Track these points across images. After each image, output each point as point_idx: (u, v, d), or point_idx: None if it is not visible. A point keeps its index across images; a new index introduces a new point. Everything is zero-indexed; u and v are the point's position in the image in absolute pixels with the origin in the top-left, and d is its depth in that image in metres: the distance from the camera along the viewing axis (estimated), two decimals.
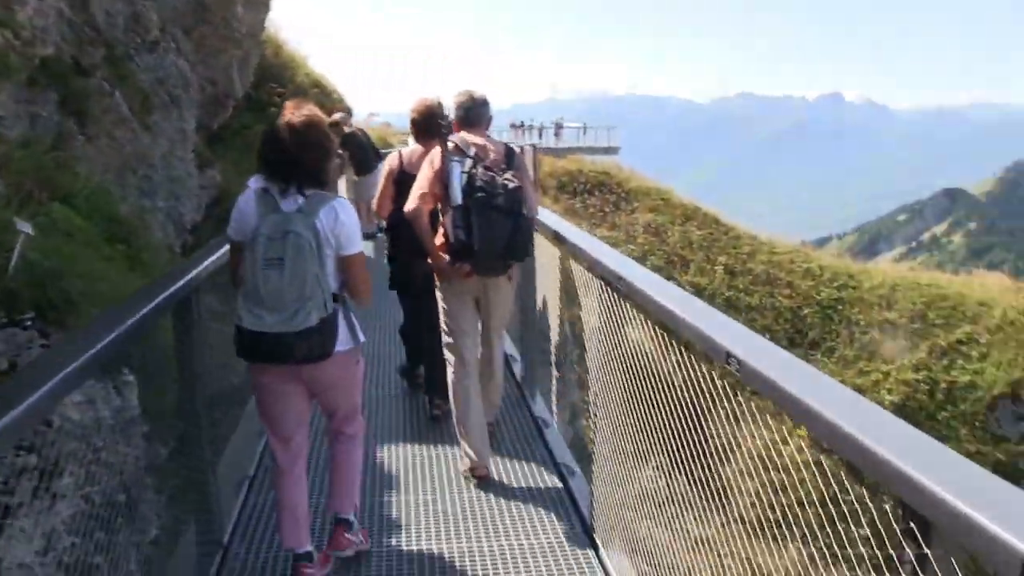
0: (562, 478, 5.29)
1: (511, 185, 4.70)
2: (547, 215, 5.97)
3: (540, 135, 46.23)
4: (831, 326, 30.86)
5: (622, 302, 3.87)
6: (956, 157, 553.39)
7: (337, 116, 11.22)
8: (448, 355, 5.25)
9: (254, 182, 3.57)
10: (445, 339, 5.27)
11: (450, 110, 5.44)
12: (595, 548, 4.43)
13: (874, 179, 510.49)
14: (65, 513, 2.81)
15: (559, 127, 47.58)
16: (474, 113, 5.18)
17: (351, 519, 4.10)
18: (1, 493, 2.65)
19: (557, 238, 5.60)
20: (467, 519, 4.76)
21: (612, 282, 3.94)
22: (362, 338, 3.85)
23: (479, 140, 5.04)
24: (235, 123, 13.82)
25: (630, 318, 3.79)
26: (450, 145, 4.88)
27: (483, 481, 5.21)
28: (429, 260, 5.05)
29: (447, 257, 4.85)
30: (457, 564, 4.28)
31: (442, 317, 5.28)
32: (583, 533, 4.60)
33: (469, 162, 4.75)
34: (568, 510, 4.90)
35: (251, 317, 3.37)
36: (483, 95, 5.30)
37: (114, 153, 7.46)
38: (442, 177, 4.76)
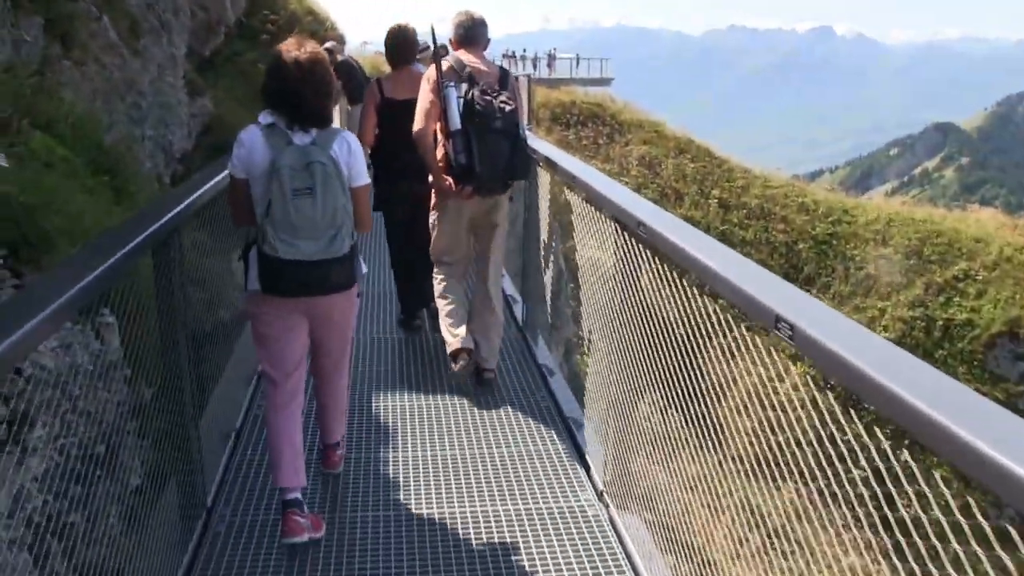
0: (569, 432, 5.08)
1: (507, 108, 4.82)
2: (547, 147, 5.82)
3: (534, 66, 45.55)
4: (826, 261, 30.78)
5: (639, 247, 3.69)
6: (946, 92, 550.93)
7: (329, 44, 10.89)
8: (436, 272, 5.45)
9: (264, 118, 3.56)
10: (437, 263, 5.44)
11: (444, 33, 5.48)
12: (607, 508, 4.24)
13: (865, 113, 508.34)
14: (37, 468, 2.62)
15: (552, 58, 46.86)
16: (473, 32, 5.24)
17: (339, 440, 4.34)
18: None
19: (549, 164, 5.48)
20: (469, 476, 4.57)
21: (630, 227, 3.72)
22: (364, 270, 3.91)
23: (475, 61, 5.12)
24: (227, 50, 13.44)
25: (643, 262, 3.63)
26: (445, 66, 4.95)
27: (468, 358, 5.32)
28: (431, 179, 5.14)
29: (449, 179, 4.94)
30: (460, 527, 4.09)
31: (434, 242, 5.41)
32: (592, 493, 4.41)
33: (464, 86, 4.84)
34: (576, 467, 4.69)
35: (286, 247, 3.37)
36: (481, 15, 5.35)
37: (102, 79, 7.16)
38: (439, 101, 4.84)
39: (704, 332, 2.99)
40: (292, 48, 3.53)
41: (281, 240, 3.36)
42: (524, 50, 47.34)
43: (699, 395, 3.08)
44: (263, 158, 3.46)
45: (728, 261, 2.87)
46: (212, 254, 4.85)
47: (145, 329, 3.53)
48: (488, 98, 4.80)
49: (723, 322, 2.83)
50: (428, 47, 6.77)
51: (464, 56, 5.12)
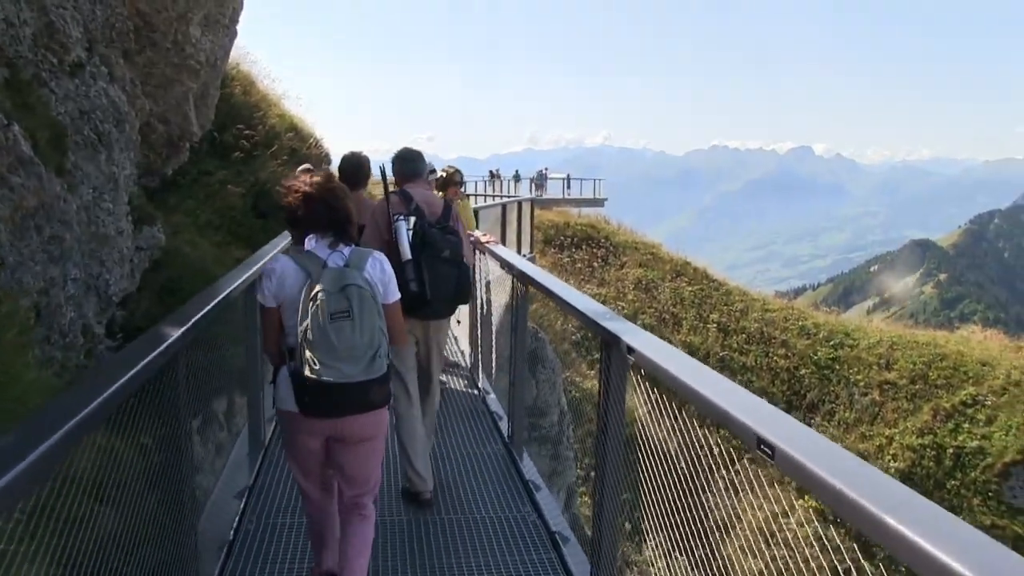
0: (555, 546, 5.09)
1: (453, 239, 5.19)
2: (529, 267, 6.12)
3: (531, 187, 44.61)
4: (829, 387, 29.78)
5: (628, 372, 3.72)
6: (922, 209, 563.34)
7: (306, 166, 9.52)
8: (394, 391, 5.29)
9: (310, 243, 3.68)
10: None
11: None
12: None
13: (845, 230, 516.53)
14: None
15: (543, 177, 45.81)
16: (415, 167, 5.59)
17: None
18: None
19: (535, 285, 5.59)
20: None
21: (618, 350, 3.68)
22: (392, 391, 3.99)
23: (421, 194, 5.44)
24: (193, 169, 11.80)
25: (635, 385, 3.67)
26: (394, 199, 5.23)
27: (427, 504, 5.53)
28: None
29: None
30: None
31: None
32: None
33: (413, 219, 5.09)
34: None
35: (327, 369, 3.43)
36: (418, 151, 5.78)
37: (6, 205, 5.44)
38: (390, 233, 5.07)
39: (705, 464, 3.19)
40: (306, 177, 3.74)
41: (323, 364, 3.43)
42: (516, 172, 46.38)
43: (704, 532, 3.17)
44: (296, 283, 3.57)
45: (712, 383, 2.89)
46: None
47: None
48: (435, 230, 5.12)
49: (723, 453, 3.15)
50: (435, 170, 7.41)
51: (412, 190, 5.40)
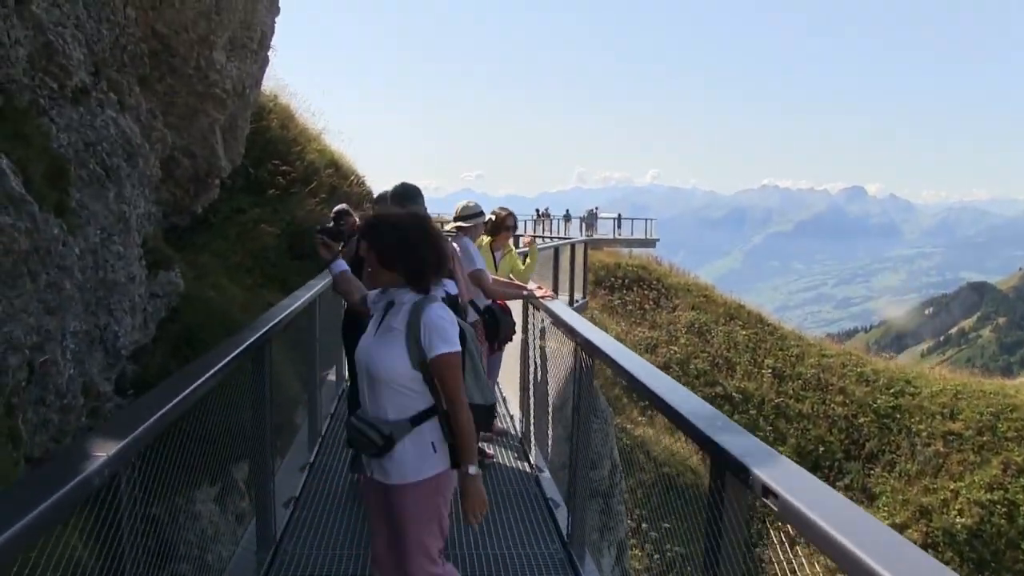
0: None
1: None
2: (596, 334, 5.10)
3: (582, 227, 43.84)
4: (890, 437, 28.46)
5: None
6: (979, 251, 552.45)
7: (342, 207, 8.79)
8: None
9: (449, 288, 3.82)
10: None
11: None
12: None
13: (898, 272, 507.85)
14: None
15: (594, 217, 44.93)
16: (409, 207, 5.54)
17: None
18: None
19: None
20: None
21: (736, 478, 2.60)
22: None
23: None
24: (225, 207, 11.10)
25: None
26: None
27: None
28: None
29: None
30: None
31: None
32: None
33: None
34: None
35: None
36: (416, 186, 5.79)
37: None
38: None
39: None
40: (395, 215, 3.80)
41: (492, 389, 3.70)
42: (567, 211, 45.57)
43: None
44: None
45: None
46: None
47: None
48: None
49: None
50: (481, 212, 6.88)
51: None
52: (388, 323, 3.43)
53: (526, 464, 7.04)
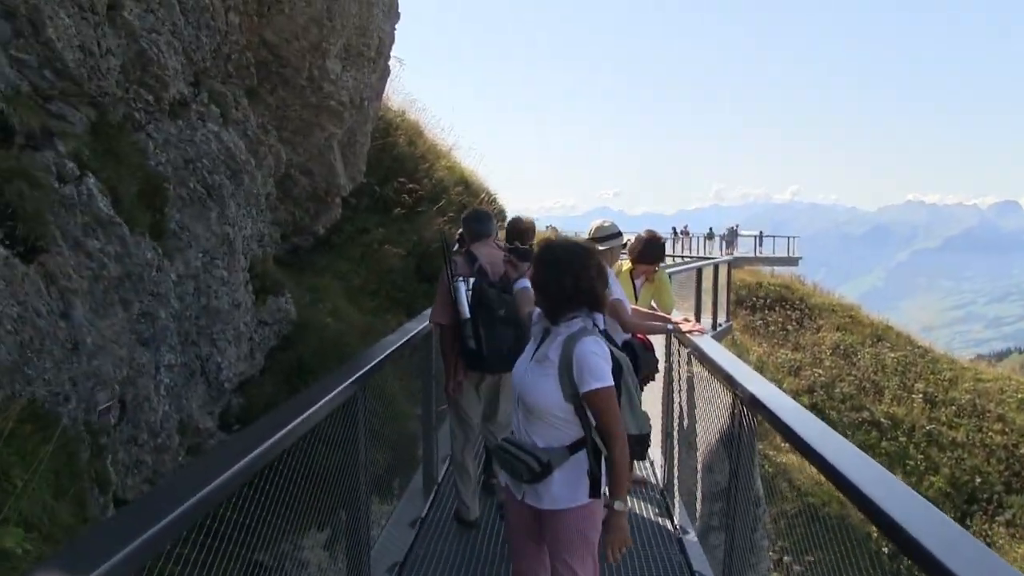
0: None
1: (509, 299, 5.31)
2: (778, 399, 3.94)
3: (722, 245, 42.52)
4: None
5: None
6: None
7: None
8: (456, 430, 5.89)
9: (599, 321, 3.58)
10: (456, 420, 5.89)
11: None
12: None
13: None
14: None
15: (734, 234, 43.44)
16: (482, 228, 5.82)
17: None
18: None
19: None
20: None
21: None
22: None
23: (486, 255, 5.61)
24: (349, 227, 10.64)
25: None
26: (459, 261, 5.58)
27: (468, 526, 5.85)
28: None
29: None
30: None
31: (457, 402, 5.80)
32: None
33: (472, 280, 5.37)
34: None
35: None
36: (487, 211, 6.28)
37: (80, 278, 4.22)
38: (451, 293, 5.41)
39: None
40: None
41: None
42: (710, 229, 44.21)
43: None
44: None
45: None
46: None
47: None
48: (493, 290, 5.33)
49: None
50: (619, 233, 6.13)
51: (478, 250, 5.61)
52: (544, 352, 3.48)
53: (668, 522, 6.08)
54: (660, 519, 6.11)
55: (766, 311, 31.71)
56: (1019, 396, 28.65)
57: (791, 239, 44.47)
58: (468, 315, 5.26)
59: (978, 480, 25.53)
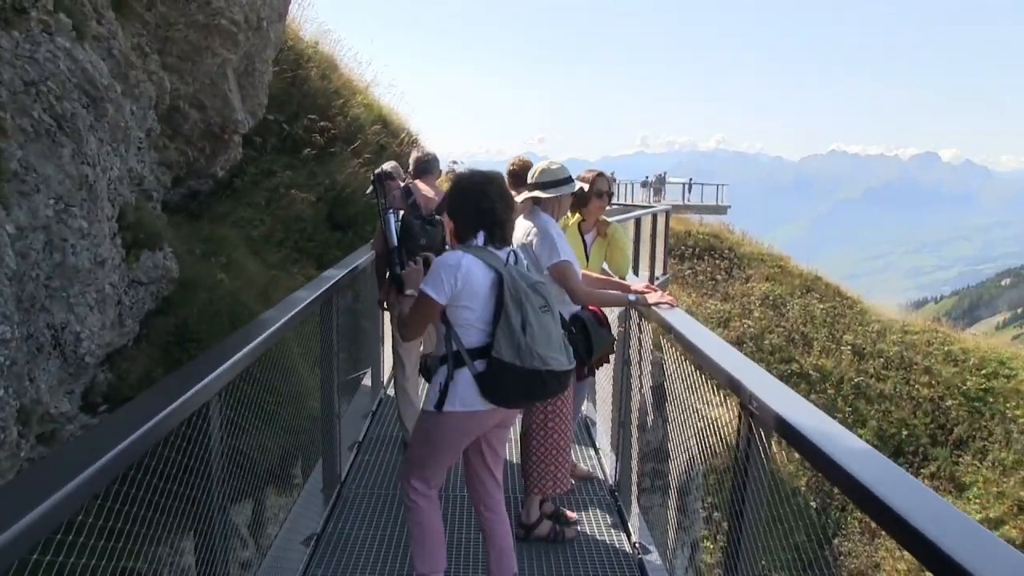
0: None
1: (431, 229, 5.46)
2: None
3: (653, 193, 41.95)
4: (981, 422, 26.23)
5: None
6: None
7: (388, 165, 7.36)
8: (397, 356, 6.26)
9: (482, 239, 3.69)
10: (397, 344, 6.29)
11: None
12: None
13: (973, 241, 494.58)
14: None
15: (662, 182, 42.79)
16: (423, 165, 6.35)
17: None
18: None
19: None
20: None
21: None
22: None
23: (427, 189, 6.02)
24: (253, 169, 9.55)
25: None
26: (397, 195, 5.81)
27: None
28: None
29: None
30: None
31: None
32: None
33: (401, 212, 5.52)
34: None
35: (555, 360, 3.54)
36: (433, 152, 6.56)
37: None
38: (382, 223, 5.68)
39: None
40: (465, 176, 3.85)
41: (544, 355, 3.51)
42: (646, 177, 43.52)
43: None
44: (484, 280, 3.57)
45: None
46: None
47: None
48: (418, 221, 5.46)
49: None
50: (569, 178, 5.17)
51: (419, 185, 6.01)
52: None
53: (623, 535, 5.05)
54: (613, 532, 5.09)
55: (695, 260, 31.39)
56: (945, 349, 28.68)
57: (720, 187, 44.07)
58: (395, 244, 5.31)
59: (904, 433, 25.60)
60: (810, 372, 26.74)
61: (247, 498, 4.90)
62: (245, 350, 3.30)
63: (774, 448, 2.66)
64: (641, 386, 4.95)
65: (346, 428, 6.05)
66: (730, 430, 3.28)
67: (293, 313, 4.11)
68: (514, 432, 5.78)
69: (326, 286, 5.10)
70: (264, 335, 3.61)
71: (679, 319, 4.21)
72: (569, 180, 4.81)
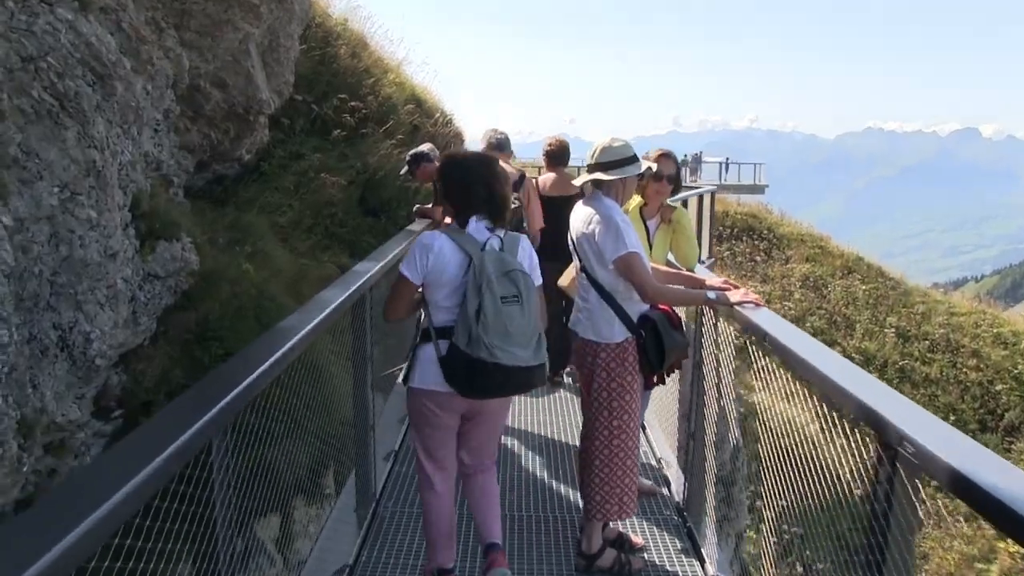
0: None
1: (513, 205, 5.06)
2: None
3: (689, 172, 41.13)
4: None
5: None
6: None
7: (425, 147, 7.04)
8: None
9: (474, 222, 3.65)
10: None
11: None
12: None
13: (1016, 219, 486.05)
14: None
15: (698, 161, 41.89)
16: (496, 143, 6.73)
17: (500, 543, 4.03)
18: None
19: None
20: None
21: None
22: None
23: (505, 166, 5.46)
24: (280, 152, 9.12)
25: None
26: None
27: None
28: None
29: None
30: None
31: None
32: None
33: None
34: None
35: (503, 353, 3.44)
36: (505, 132, 6.88)
37: None
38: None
39: None
40: (459, 152, 4.20)
41: (497, 346, 3.42)
42: (685, 156, 42.71)
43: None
44: (455, 263, 3.56)
45: None
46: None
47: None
48: None
49: None
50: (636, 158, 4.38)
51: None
52: None
53: (695, 563, 4.61)
54: (684, 559, 4.60)
55: (733, 241, 30.81)
56: (995, 331, 27.66)
57: (757, 166, 43.13)
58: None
59: (952, 418, 24.79)
60: (853, 355, 26.01)
61: (273, 512, 4.49)
62: (256, 373, 2.79)
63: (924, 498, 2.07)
64: (719, 396, 4.38)
65: (381, 436, 5.57)
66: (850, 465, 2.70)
67: (319, 320, 3.66)
68: (573, 452, 5.46)
69: (356, 284, 4.50)
70: (282, 350, 3.13)
71: (772, 322, 3.67)
72: (635, 159, 4.18)
